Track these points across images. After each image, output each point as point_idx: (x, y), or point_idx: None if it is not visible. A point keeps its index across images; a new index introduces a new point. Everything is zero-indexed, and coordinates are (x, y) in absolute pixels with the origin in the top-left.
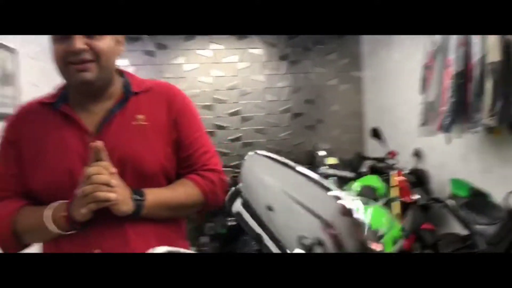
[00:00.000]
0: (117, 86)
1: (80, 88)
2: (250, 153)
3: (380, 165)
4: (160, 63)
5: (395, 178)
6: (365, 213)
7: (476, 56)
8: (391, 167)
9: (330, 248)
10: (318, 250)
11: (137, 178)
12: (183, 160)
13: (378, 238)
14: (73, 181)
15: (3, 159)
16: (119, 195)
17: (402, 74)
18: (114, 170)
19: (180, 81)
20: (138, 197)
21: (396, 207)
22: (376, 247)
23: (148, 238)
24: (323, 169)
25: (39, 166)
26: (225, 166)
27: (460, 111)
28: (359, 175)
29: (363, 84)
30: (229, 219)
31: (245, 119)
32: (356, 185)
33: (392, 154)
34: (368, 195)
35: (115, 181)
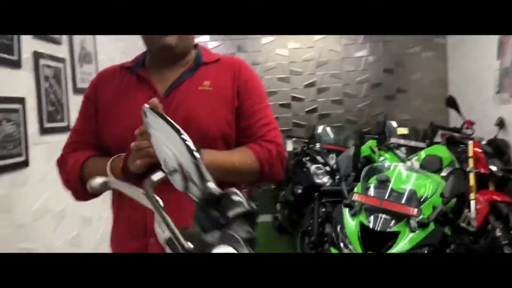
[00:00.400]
0: (191, 57)
1: (161, 53)
2: (146, 105)
3: (457, 135)
4: (237, 38)
5: (471, 149)
6: (409, 179)
7: None
8: (468, 137)
9: (182, 175)
10: (176, 175)
11: (197, 139)
12: (243, 129)
13: (420, 203)
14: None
15: (82, 115)
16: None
17: (485, 39)
18: None
19: (257, 54)
20: None
21: (472, 178)
22: (412, 212)
23: None
24: (393, 139)
25: (113, 122)
26: (301, 138)
27: None
28: (432, 145)
29: (447, 51)
30: (298, 187)
31: (321, 90)
32: (421, 155)
33: (468, 124)
34: (432, 164)
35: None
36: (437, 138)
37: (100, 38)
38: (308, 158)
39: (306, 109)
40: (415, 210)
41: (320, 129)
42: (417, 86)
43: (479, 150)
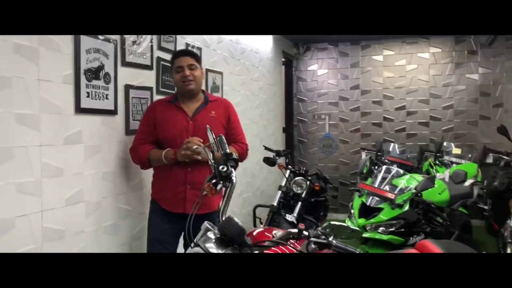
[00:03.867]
0: (200, 96)
1: (186, 94)
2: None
3: (507, 158)
4: (340, 67)
5: None
6: (403, 179)
7: None
8: None
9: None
10: (214, 146)
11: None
12: (229, 135)
13: (402, 192)
14: (180, 139)
15: (145, 123)
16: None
17: None
18: (201, 141)
19: (356, 81)
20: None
21: None
22: (391, 196)
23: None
24: (446, 157)
25: (166, 130)
26: (372, 150)
27: None
28: (480, 164)
29: None
30: None
31: (409, 113)
32: (453, 169)
33: None
34: (458, 176)
35: (200, 147)
36: (489, 159)
37: (225, 75)
38: (375, 167)
39: (396, 128)
40: (393, 195)
41: (387, 144)
42: (500, 115)
43: None
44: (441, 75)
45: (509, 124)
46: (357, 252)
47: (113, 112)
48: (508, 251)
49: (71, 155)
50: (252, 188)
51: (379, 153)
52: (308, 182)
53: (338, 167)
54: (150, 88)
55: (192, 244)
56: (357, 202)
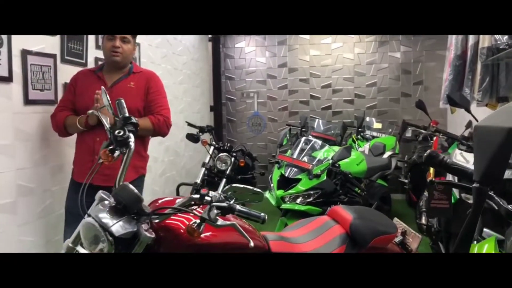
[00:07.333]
0: (127, 68)
1: (112, 64)
2: (102, 87)
3: (424, 132)
4: (268, 44)
5: (434, 143)
6: (321, 150)
7: (470, 42)
8: (433, 134)
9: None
10: (109, 109)
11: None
12: (148, 107)
13: (320, 163)
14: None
15: (67, 92)
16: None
17: None
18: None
19: (283, 59)
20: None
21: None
22: (308, 167)
23: None
24: (367, 132)
25: (81, 99)
26: (297, 126)
27: (456, 87)
28: (400, 139)
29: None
30: None
31: (335, 91)
32: (372, 142)
33: (434, 123)
34: (377, 149)
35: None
36: (408, 133)
37: (142, 47)
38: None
39: (322, 106)
40: (310, 165)
41: (312, 120)
42: (420, 92)
43: (436, 143)
44: (365, 53)
45: (430, 101)
46: (261, 216)
47: (8, 79)
48: (423, 220)
49: None
50: (176, 167)
51: (303, 129)
52: (232, 159)
53: (267, 145)
54: (53, 55)
55: (86, 216)
56: (276, 173)
